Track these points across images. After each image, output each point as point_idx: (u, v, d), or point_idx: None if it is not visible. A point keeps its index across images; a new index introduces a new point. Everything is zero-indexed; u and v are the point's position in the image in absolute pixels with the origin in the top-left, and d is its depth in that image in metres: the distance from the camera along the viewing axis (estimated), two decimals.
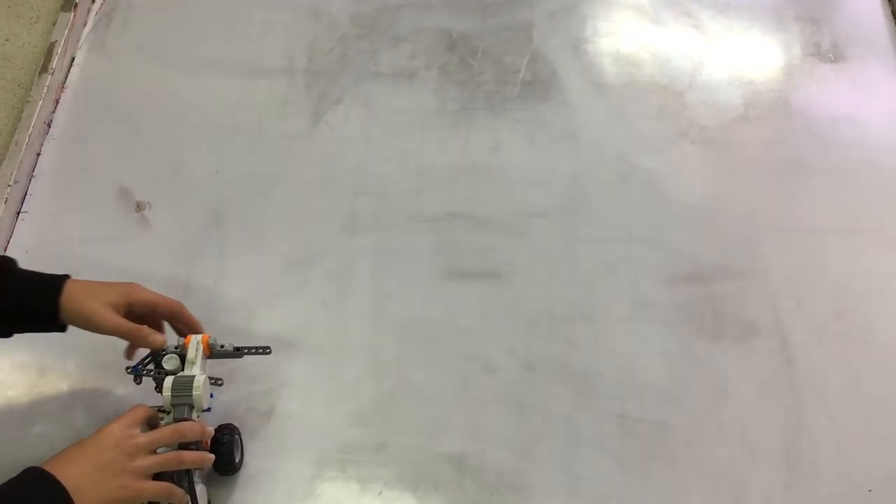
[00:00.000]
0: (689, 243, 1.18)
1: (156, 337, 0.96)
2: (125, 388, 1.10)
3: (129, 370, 0.99)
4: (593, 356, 1.10)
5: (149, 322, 0.98)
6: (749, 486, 1.00)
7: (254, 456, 1.04)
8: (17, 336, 1.02)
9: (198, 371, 0.96)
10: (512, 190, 1.24)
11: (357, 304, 1.16)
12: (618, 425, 1.05)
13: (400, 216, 1.23)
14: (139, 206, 1.26)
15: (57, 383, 1.12)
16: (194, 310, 1.05)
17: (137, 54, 1.43)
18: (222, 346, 1.01)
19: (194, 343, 0.98)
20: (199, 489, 0.94)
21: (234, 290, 1.17)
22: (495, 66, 1.37)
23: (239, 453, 1.02)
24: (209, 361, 1.00)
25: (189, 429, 0.91)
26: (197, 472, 0.94)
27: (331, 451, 1.04)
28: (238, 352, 1.01)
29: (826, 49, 1.38)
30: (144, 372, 0.98)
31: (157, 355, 0.98)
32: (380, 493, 1.01)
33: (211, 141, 1.32)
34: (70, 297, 0.94)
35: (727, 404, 1.06)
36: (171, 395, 0.93)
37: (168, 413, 0.94)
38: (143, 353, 1.00)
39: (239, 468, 1.02)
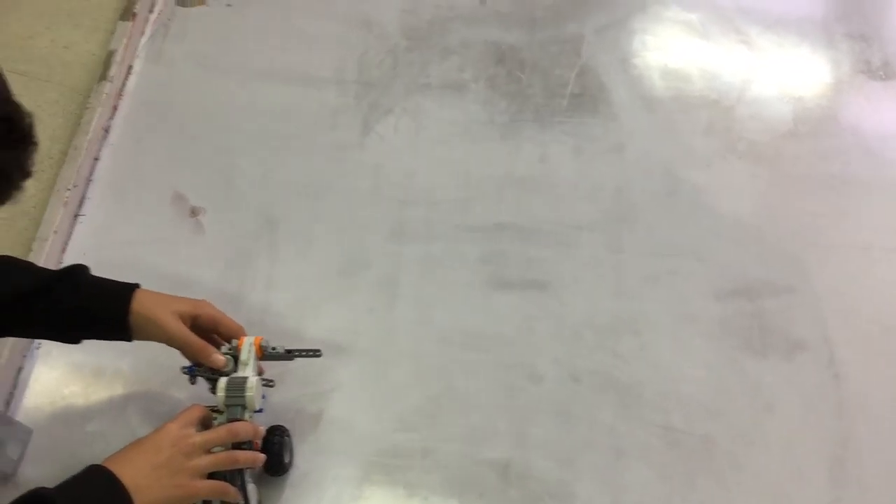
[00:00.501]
0: (737, 258, 1.18)
1: (218, 357, 0.98)
2: (178, 389, 1.12)
3: (185, 370, 1.01)
4: (638, 368, 1.10)
5: (207, 338, 1.01)
6: (794, 502, 1.00)
7: (303, 458, 1.06)
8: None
9: (250, 372, 0.98)
10: (558, 201, 1.26)
11: (404, 311, 1.18)
12: (662, 437, 1.05)
13: (447, 226, 1.25)
14: (193, 211, 1.29)
15: (112, 383, 1.15)
16: (245, 313, 1.08)
17: (193, 63, 1.47)
18: (274, 349, 1.03)
19: (247, 344, 1.00)
20: (251, 489, 0.96)
21: (284, 294, 1.19)
22: (544, 79, 1.39)
23: (288, 454, 1.04)
24: (262, 363, 1.03)
25: (242, 429, 0.93)
26: (248, 471, 0.96)
27: (378, 455, 1.06)
28: (289, 354, 1.04)
29: (876, 66, 1.37)
30: (199, 372, 1.01)
31: None
32: (426, 499, 1.02)
33: (263, 149, 1.35)
34: (141, 305, 0.97)
35: (773, 419, 1.06)
36: (225, 396, 0.95)
37: (221, 413, 0.97)
38: None
39: (288, 469, 1.04)
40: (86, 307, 0.97)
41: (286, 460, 1.03)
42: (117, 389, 1.14)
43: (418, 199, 1.28)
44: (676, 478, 1.02)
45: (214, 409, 0.98)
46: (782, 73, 1.37)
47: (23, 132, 0.70)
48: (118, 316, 0.97)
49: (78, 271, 0.99)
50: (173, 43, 1.50)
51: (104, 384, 1.15)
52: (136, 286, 0.99)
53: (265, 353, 1.02)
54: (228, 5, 1.53)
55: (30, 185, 1.32)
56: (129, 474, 0.84)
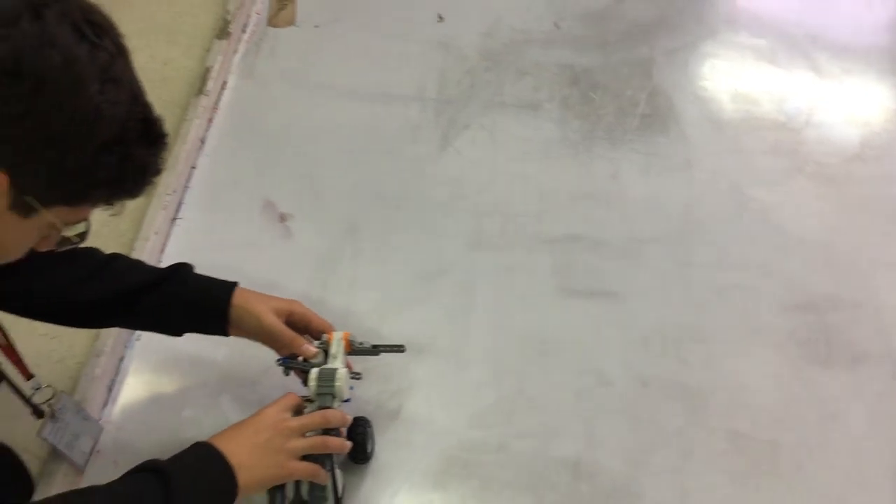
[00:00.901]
0: (803, 273, 1.22)
1: (309, 347, 1.06)
2: (268, 381, 1.20)
3: (279, 362, 1.09)
4: (706, 375, 1.15)
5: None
6: None
7: (382, 449, 1.12)
8: None
9: (339, 364, 1.05)
10: (628, 216, 1.31)
11: (479, 315, 1.24)
12: (729, 442, 1.09)
13: (521, 236, 1.31)
14: (282, 217, 1.37)
15: (206, 373, 1.23)
16: (330, 312, 1.15)
17: (283, 80, 1.56)
18: (361, 343, 1.10)
19: (337, 339, 1.08)
20: (338, 473, 1.03)
21: (366, 296, 1.26)
22: (615, 99, 1.45)
23: (371, 444, 1.11)
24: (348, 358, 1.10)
25: (333, 416, 1.00)
26: (335, 457, 1.03)
27: (454, 449, 1.12)
28: (375, 349, 1.11)
29: None
30: (292, 364, 1.08)
31: None
32: (499, 492, 1.08)
33: (348, 160, 1.43)
34: (241, 300, 1.05)
35: (837, 427, 1.09)
36: (317, 385, 1.02)
37: (312, 402, 1.04)
38: None
39: (370, 458, 1.11)
40: (191, 301, 1.05)
41: (369, 449, 1.10)
42: (211, 379, 1.22)
43: (494, 210, 1.34)
44: (742, 481, 1.06)
45: (306, 399, 1.05)
46: (849, 98, 1.41)
47: (159, 131, 0.78)
48: (220, 310, 1.05)
49: (184, 269, 1.08)
50: (265, 60, 1.60)
51: (199, 374, 1.23)
52: (235, 284, 1.08)
53: (353, 348, 1.09)
54: (316, 26, 1.63)
55: None
56: (233, 451, 0.91)
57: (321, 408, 1.02)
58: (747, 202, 1.30)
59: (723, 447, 1.09)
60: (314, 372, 1.04)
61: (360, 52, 1.58)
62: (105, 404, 1.21)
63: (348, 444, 1.03)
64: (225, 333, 1.08)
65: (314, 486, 1.00)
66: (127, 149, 0.72)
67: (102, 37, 0.69)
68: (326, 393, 1.03)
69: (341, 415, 1.01)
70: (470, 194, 1.36)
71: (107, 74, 0.69)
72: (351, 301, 1.26)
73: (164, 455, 1.08)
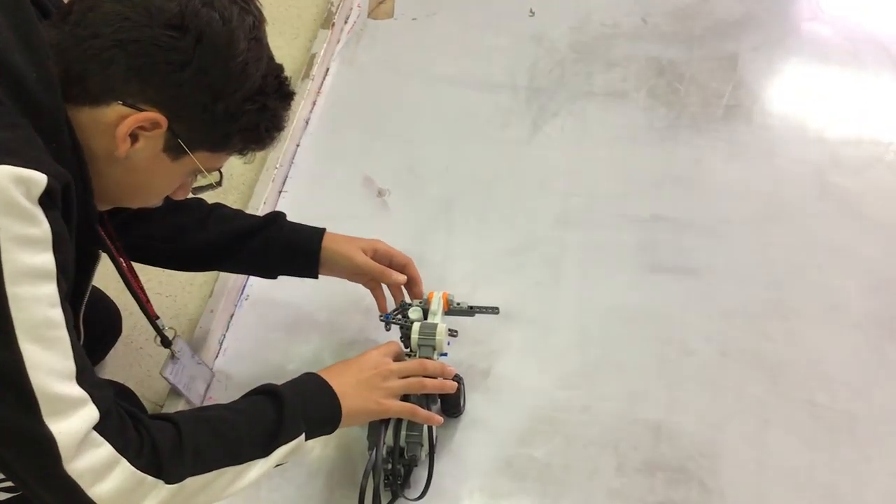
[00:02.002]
0: (882, 257, 1.26)
1: (398, 276, 1.17)
2: (364, 339, 1.28)
3: (382, 317, 1.17)
4: (786, 349, 1.19)
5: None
6: None
7: (473, 406, 1.19)
8: (278, 293, 1.28)
9: (439, 321, 1.13)
10: (712, 199, 1.36)
11: (567, 287, 1.30)
12: (807, 411, 1.14)
13: (608, 215, 1.37)
14: (380, 192, 1.46)
15: (308, 332, 1.32)
16: (425, 281, 1.23)
17: (381, 68, 1.66)
18: (458, 304, 1.18)
19: (437, 298, 1.16)
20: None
21: (459, 266, 1.34)
22: (701, 91, 1.50)
23: (463, 399, 1.18)
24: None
25: (431, 364, 1.08)
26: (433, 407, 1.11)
27: (541, 407, 1.18)
28: (471, 310, 1.19)
29: None
30: (393, 320, 1.16)
31: (404, 307, 1.16)
32: (585, 447, 1.14)
33: (442, 143, 1.51)
34: (331, 241, 1.16)
35: None
36: (419, 337, 1.11)
37: (412, 355, 1.12)
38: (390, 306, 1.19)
39: (462, 412, 1.18)
40: (286, 244, 1.16)
41: (461, 403, 1.17)
42: (313, 337, 1.31)
43: (581, 191, 1.41)
44: (819, 447, 1.11)
45: (407, 353, 1.13)
46: None
47: (289, 88, 0.87)
48: (313, 251, 1.16)
49: (280, 217, 1.18)
50: (365, 50, 1.70)
51: (302, 333, 1.32)
52: (325, 229, 1.18)
53: (451, 307, 1.17)
54: (414, 19, 1.72)
55: (237, 166, 1.53)
56: (338, 383, 0.99)
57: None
58: (829, 189, 1.34)
59: (801, 416, 1.14)
60: (416, 325, 1.12)
61: (454, 43, 1.67)
62: (216, 356, 1.31)
63: (449, 384, 1.10)
64: (315, 275, 1.18)
65: (410, 433, 1.08)
66: (265, 99, 0.82)
67: (249, 2, 0.80)
68: (427, 345, 1.11)
69: (440, 363, 1.09)
70: (558, 176, 1.43)
71: (252, 34, 0.79)
72: (445, 271, 1.34)
73: None
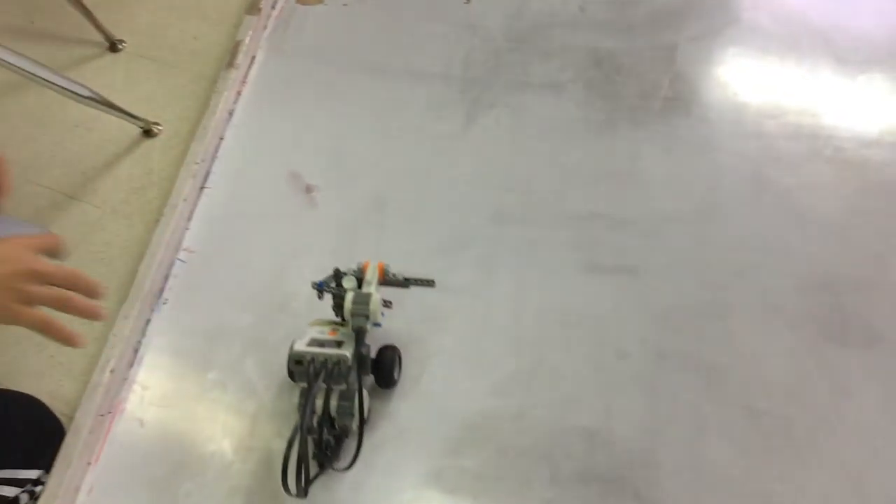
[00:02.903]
0: (821, 254, 1.24)
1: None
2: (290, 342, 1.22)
3: (314, 284, 1.12)
4: (722, 351, 1.16)
5: None
6: (868, 481, 1.05)
7: (402, 415, 1.15)
8: (199, 296, 1.21)
9: (373, 290, 1.09)
10: (649, 195, 1.33)
11: (501, 287, 1.26)
12: (743, 416, 1.11)
13: (544, 212, 1.33)
14: (308, 189, 1.40)
15: (231, 338, 1.25)
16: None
17: (310, 56, 1.58)
18: (394, 275, 1.15)
19: (372, 267, 1.12)
20: (364, 395, 1.07)
21: (391, 266, 1.28)
22: (639, 82, 1.46)
23: (398, 371, 1.16)
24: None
25: (86, 278, 0.87)
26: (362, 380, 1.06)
27: (473, 416, 1.14)
28: (406, 282, 1.15)
29: None
30: (327, 288, 1.11)
31: (338, 274, 1.12)
32: (516, 459, 1.10)
33: (374, 136, 1.45)
34: None
35: (851, 405, 1.11)
36: (352, 306, 1.07)
37: (344, 324, 1.09)
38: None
39: (396, 384, 1.16)
40: None
41: (395, 375, 1.15)
42: (235, 343, 1.25)
43: (516, 186, 1.36)
44: (756, 454, 1.08)
45: (337, 323, 1.10)
46: (870, 87, 1.42)
47: None
48: None
49: None
50: (293, 37, 1.62)
51: (224, 338, 1.25)
52: None
53: (386, 278, 1.14)
54: (345, 5, 1.65)
55: (158, 160, 1.45)
56: None
57: (355, 329, 1.06)
58: (767, 185, 1.31)
59: (737, 421, 1.11)
60: (350, 295, 1.07)
61: (387, 31, 1.60)
62: (131, 364, 1.24)
63: (100, 311, 0.90)
64: None
65: (341, 403, 1.04)
66: None
67: None
68: (361, 314, 1.06)
69: (96, 282, 0.89)
70: (493, 171, 1.38)
71: None
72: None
73: (188, 417, 1.12)
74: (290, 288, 1.28)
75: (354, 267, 1.13)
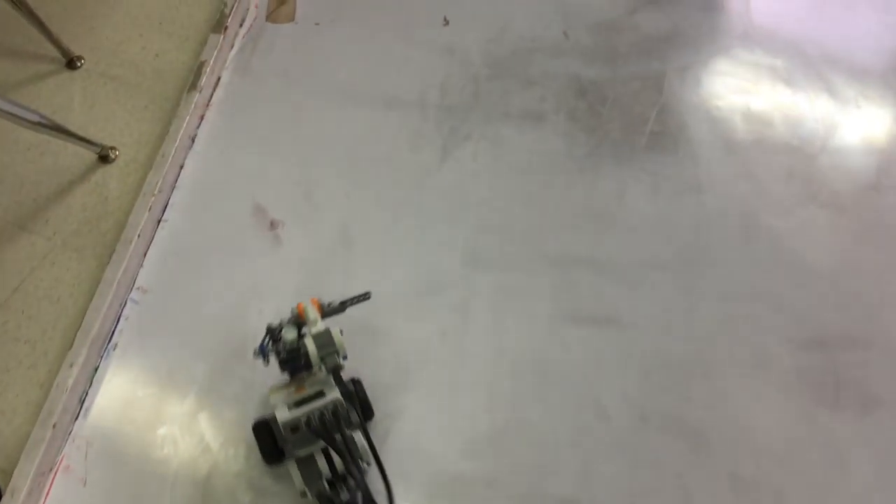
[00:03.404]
0: (814, 307, 1.17)
1: None
2: (249, 398, 1.14)
3: (256, 352, 1.04)
4: (708, 413, 1.09)
5: None
6: None
7: (368, 479, 1.07)
8: (151, 340, 1.13)
9: (325, 326, 1.02)
10: (634, 238, 1.26)
11: (476, 337, 1.18)
12: (730, 487, 1.04)
13: (522, 255, 1.25)
14: (273, 224, 1.31)
15: (184, 388, 1.17)
16: None
17: (279, 78, 1.50)
18: (330, 304, 1.08)
19: (309, 307, 1.05)
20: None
21: (357, 311, 1.20)
22: (624, 115, 1.39)
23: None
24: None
25: None
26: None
27: (442, 481, 1.07)
28: (342, 305, 1.09)
29: None
30: (269, 349, 1.03)
31: (272, 331, 1.04)
32: None
33: (344, 166, 1.37)
34: None
35: (846, 475, 1.04)
36: (318, 349, 0.99)
37: (312, 374, 1.02)
38: None
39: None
40: None
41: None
42: (189, 395, 1.16)
43: (494, 226, 1.28)
44: None
45: (300, 378, 1.03)
46: (867, 123, 1.36)
47: None
48: None
49: None
50: (261, 57, 1.53)
51: (177, 389, 1.17)
52: None
53: (324, 311, 1.07)
54: (317, 24, 1.56)
55: (114, 188, 1.36)
56: None
57: (330, 368, 0.99)
58: (757, 230, 1.25)
59: (724, 492, 1.04)
60: (309, 340, 1.01)
61: (361, 53, 1.52)
62: (76, 417, 1.15)
63: None
64: None
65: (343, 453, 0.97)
66: None
67: None
68: (331, 353, 1.00)
69: None
70: (469, 208, 1.31)
71: None
72: (341, 315, 1.20)
73: (137, 475, 1.04)
74: (249, 332, 1.20)
75: (288, 315, 1.05)
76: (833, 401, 1.09)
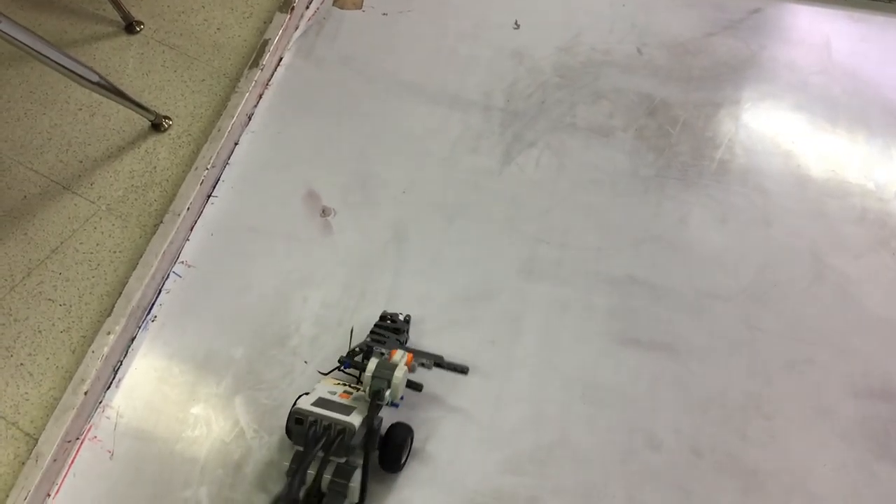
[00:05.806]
0: (881, 357, 1.12)
1: None
2: (287, 385, 1.10)
3: (341, 362, 1.05)
4: (765, 455, 1.05)
5: None
6: None
7: (404, 485, 1.03)
8: (191, 319, 1.11)
9: (401, 366, 0.99)
10: (696, 267, 1.21)
11: (526, 350, 1.14)
12: None
13: (579, 271, 1.21)
14: (324, 211, 1.27)
15: (222, 369, 1.13)
16: (367, 321, 1.06)
17: (343, 65, 1.46)
18: (423, 364, 1.06)
19: (400, 353, 1.03)
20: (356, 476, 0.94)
21: (404, 310, 1.16)
22: (694, 138, 1.35)
23: (406, 455, 1.03)
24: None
25: None
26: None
27: (482, 494, 1.02)
28: (436, 364, 1.07)
29: None
30: (353, 363, 1.03)
31: (368, 349, 1.04)
32: None
33: (402, 161, 1.33)
34: None
35: None
36: (375, 368, 0.97)
37: (359, 388, 0.99)
38: None
39: (401, 469, 1.03)
40: None
41: (403, 460, 1.02)
42: (226, 377, 1.12)
43: (552, 238, 1.24)
44: None
45: (353, 386, 1.01)
46: None
47: None
48: None
49: None
50: (325, 42, 1.50)
51: (214, 369, 1.13)
52: None
53: (413, 368, 1.04)
54: (384, 14, 1.53)
55: (164, 158, 1.33)
56: None
57: (373, 391, 0.95)
58: (826, 271, 1.20)
59: None
60: (373, 360, 0.99)
61: (427, 47, 1.48)
62: (108, 386, 1.11)
63: None
64: None
65: (336, 480, 0.93)
66: None
67: None
68: (382, 377, 0.96)
69: None
70: (528, 217, 1.27)
71: None
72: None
73: (165, 451, 1.00)
74: (292, 320, 1.16)
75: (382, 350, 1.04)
76: (895, 456, 1.04)
